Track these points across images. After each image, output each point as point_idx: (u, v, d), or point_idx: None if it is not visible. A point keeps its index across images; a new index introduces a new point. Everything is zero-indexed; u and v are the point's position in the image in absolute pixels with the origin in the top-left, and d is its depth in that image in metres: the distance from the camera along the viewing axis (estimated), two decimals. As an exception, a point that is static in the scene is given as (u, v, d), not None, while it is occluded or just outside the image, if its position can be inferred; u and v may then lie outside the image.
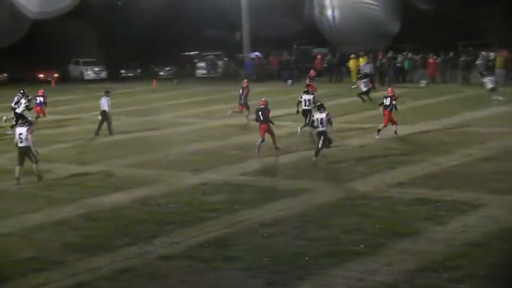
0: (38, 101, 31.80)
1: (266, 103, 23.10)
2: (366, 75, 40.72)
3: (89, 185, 19.10)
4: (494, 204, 15.15)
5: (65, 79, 60.19)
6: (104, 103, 27.97)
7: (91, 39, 59.34)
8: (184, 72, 59.11)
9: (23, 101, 29.66)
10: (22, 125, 19.90)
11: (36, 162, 19.78)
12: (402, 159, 20.43)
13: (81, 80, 60.02)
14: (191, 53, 64.96)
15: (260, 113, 22.65)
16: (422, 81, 42.45)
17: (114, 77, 59.71)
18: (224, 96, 41.13)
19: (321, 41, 63.90)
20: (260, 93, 41.33)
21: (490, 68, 41.27)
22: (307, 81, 32.82)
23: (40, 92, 32.87)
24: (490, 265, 11.55)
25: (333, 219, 14.60)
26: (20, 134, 19.50)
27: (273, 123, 23.18)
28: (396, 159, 20.38)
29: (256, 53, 58.95)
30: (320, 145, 20.46)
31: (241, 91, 30.50)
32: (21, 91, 30.24)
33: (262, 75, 52.55)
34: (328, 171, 19.36)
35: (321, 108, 21.05)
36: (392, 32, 58.06)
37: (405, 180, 17.83)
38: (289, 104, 33.58)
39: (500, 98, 30.95)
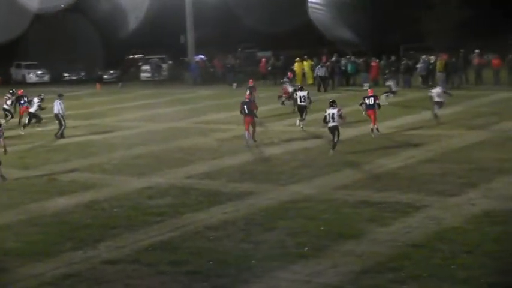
0: (22, 101, 31.92)
1: (250, 97, 25.16)
2: (318, 78, 41.49)
3: (31, 190, 18.81)
4: (435, 205, 15.43)
5: (7, 82, 59.03)
6: (57, 106, 27.71)
7: (33, 41, 58.43)
8: (129, 76, 58.68)
9: (35, 100, 30.09)
10: None
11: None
12: (346, 161, 20.65)
13: (23, 83, 58.94)
14: (136, 56, 64.53)
15: (246, 106, 24.34)
16: (365, 85, 42.93)
17: (57, 80, 58.88)
18: (169, 100, 40.99)
19: (265, 44, 64.37)
20: (206, 97, 41.54)
21: (430, 71, 42.11)
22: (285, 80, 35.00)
23: (20, 92, 32.72)
24: (432, 266, 11.77)
25: (278, 222, 14.68)
26: None
27: (257, 117, 25.11)
28: (340, 162, 20.58)
29: (201, 56, 58.91)
30: (336, 139, 21.86)
31: (248, 92, 30.70)
32: (11, 91, 30.12)
33: (207, 78, 52.57)
34: (273, 174, 19.44)
35: (333, 104, 22.41)
36: (340, 36, 58.74)
37: (349, 182, 18.03)
38: (234, 107, 33.63)
39: (387, 103, 32.17)
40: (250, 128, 24.19)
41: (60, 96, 28.60)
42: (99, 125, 31.36)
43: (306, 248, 12.89)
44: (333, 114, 21.86)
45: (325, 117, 22.15)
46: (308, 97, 27.60)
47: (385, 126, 27.04)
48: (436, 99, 27.41)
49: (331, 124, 21.91)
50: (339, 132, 21.93)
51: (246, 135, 24.10)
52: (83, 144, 26.39)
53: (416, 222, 14.25)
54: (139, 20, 61.78)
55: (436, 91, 27.77)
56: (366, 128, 26.60)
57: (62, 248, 13.62)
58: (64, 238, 14.24)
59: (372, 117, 25.17)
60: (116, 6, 59.40)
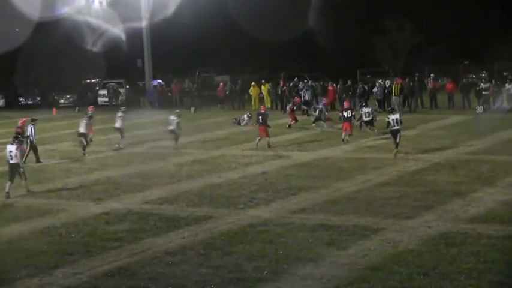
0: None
1: (265, 109, 30.72)
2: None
3: (-15, 217, 18.50)
4: (392, 228, 15.59)
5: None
6: (30, 131, 27.44)
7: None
8: (86, 100, 58.24)
9: (84, 120, 29.56)
10: (12, 143, 20.99)
11: (25, 179, 21.06)
12: (304, 185, 20.74)
13: (-24, 108, 58.22)
14: (92, 80, 64.11)
15: (260, 117, 28.72)
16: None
17: (12, 105, 58.19)
18: (126, 124, 40.70)
19: (222, 68, 64.63)
20: (163, 121, 41.31)
21: (386, 95, 42.64)
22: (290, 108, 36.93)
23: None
24: (389, 288, 11.89)
25: (237, 246, 14.68)
26: (10, 151, 20.80)
27: (269, 127, 28.75)
28: (298, 186, 20.68)
29: (159, 81, 58.81)
30: (399, 139, 25.28)
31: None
32: (32, 120, 29.05)
33: (165, 102, 52.49)
34: (231, 198, 19.44)
35: (392, 111, 27.28)
36: None
37: (307, 206, 18.12)
38: (192, 132, 33.64)
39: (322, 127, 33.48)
40: (264, 137, 28.14)
41: (33, 121, 28.23)
42: (55, 150, 31.04)
43: (265, 272, 12.91)
44: (397, 119, 25.36)
45: (388, 123, 25.73)
46: (372, 112, 31.10)
47: (341, 150, 27.31)
48: (364, 118, 31.01)
49: (395, 128, 25.30)
50: (400, 134, 25.40)
51: (257, 140, 28.19)
52: (39, 169, 26.06)
53: (374, 245, 14.38)
54: (96, 43, 61.46)
55: (365, 110, 31.27)
56: (323, 152, 26.85)
57: (17, 275, 13.41)
58: (19, 265, 14.03)
59: (348, 127, 29.01)
60: (72, 29, 58.96)
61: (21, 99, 59.89)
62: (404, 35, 61.71)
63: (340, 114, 30.50)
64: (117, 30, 56.92)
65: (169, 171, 24.27)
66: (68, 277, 13.20)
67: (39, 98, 60.09)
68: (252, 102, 47.20)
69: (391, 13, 60.89)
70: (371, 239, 14.82)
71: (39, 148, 31.56)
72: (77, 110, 52.31)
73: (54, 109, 51.87)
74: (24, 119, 29.15)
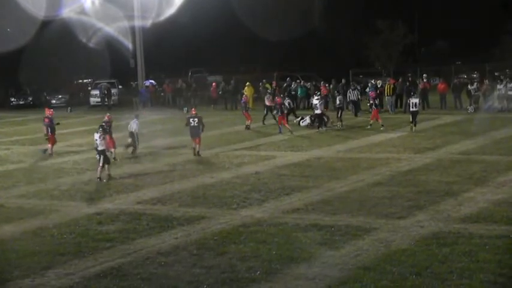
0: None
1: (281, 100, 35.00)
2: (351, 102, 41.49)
3: (-23, 217, 18.44)
4: (385, 228, 15.62)
5: None
6: (133, 125, 28.38)
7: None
8: (78, 100, 58.08)
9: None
10: (97, 131, 23.03)
11: (107, 164, 22.94)
12: (297, 185, 20.76)
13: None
14: (84, 80, 63.86)
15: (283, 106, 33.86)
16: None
17: (3, 105, 57.99)
18: (118, 125, 40.64)
19: (215, 68, 64.62)
20: (155, 121, 41.34)
21: (378, 96, 42.61)
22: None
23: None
24: None
25: (230, 247, 14.67)
26: (96, 139, 22.97)
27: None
28: (291, 186, 20.69)
29: (151, 81, 58.63)
30: (416, 119, 31.57)
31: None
32: (136, 116, 29.52)
33: (157, 102, 52.44)
34: (224, 198, 19.44)
35: (414, 94, 34.32)
36: None
37: (300, 206, 18.13)
38: (184, 132, 33.60)
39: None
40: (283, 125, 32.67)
41: (136, 116, 29.25)
42: (48, 150, 30.90)
43: (258, 272, 12.91)
44: (415, 103, 31.77)
45: (409, 105, 32.25)
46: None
47: (334, 150, 27.33)
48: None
49: (414, 109, 31.60)
50: (418, 114, 31.82)
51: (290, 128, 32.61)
52: (31, 169, 26.00)
53: (366, 244, 14.40)
54: (88, 43, 61.36)
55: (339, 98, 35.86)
56: (316, 152, 26.86)
57: (9, 276, 13.38)
58: (11, 266, 13.99)
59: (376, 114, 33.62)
60: (64, 29, 58.73)
61: (12, 100, 59.65)
62: (397, 34, 61.79)
63: (372, 102, 35.02)
64: (110, 30, 56.82)
65: (162, 172, 24.25)
66: (60, 278, 13.17)
67: (31, 98, 59.87)
68: (248, 101, 47.01)
69: (384, 13, 60.97)
70: (363, 238, 14.84)
71: (33, 148, 31.57)
72: (69, 110, 52.19)
73: (46, 109, 51.62)
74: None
